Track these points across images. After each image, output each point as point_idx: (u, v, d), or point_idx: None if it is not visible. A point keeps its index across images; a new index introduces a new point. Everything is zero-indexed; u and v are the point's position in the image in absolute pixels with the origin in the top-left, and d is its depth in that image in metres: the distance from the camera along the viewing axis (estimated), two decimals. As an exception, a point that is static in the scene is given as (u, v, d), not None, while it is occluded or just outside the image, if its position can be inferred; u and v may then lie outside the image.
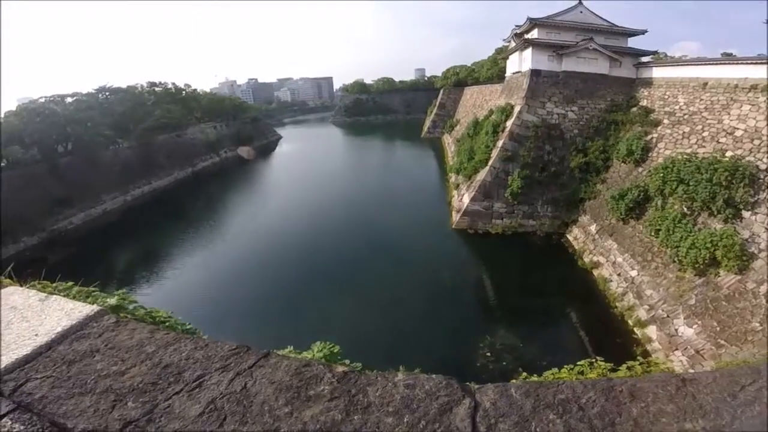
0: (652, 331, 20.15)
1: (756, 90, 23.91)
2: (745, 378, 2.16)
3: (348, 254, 31.53)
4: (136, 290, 27.10)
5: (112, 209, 49.43)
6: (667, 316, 19.92)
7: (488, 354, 18.81)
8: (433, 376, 2.42)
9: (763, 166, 20.36)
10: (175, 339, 2.72)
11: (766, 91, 22.96)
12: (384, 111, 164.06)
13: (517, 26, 45.62)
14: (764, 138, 21.33)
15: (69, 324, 2.75)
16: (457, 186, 41.72)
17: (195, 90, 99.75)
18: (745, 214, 19.86)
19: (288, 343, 5.23)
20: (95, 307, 3.07)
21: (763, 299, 16.47)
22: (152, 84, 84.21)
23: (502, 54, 57.98)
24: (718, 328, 17.23)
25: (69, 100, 60.76)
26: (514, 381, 2.90)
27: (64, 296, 3.41)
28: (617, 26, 41.06)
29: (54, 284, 3.94)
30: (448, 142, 74.20)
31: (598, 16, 41.06)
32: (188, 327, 4.23)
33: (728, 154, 22.74)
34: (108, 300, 3.74)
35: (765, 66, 24.04)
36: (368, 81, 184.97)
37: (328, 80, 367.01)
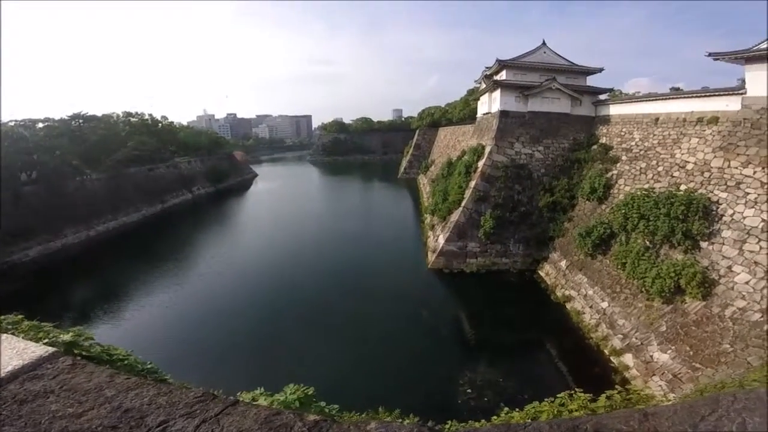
0: (628, 359, 20.45)
1: (702, 123, 25.94)
2: (704, 409, 2.21)
3: (325, 294, 31.00)
4: (92, 327, 25.37)
5: (73, 243, 46.66)
6: (641, 344, 20.32)
7: (469, 390, 18.62)
8: (406, 422, 2.38)
9: (714, 198, 21.82)
10: (136, 384, 2.61)
11: (713, 124, 24.81)
12: (361, 151, 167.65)
13: (487, 67, 47.72)
14: (713, 170, 23.01)
15: (21, 364, 2.58)
16: (433, 227, 42.24)
17: (172, 123, 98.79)
18: (703, 244, 21.02)
19: (260, 385, 5.02)
20: (49, 348, 2.89)
21: (730, 322, 17.17)
22: (128, 114, 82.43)
23: (474, 95, 60.43)
24: (691, 352, 17.67)
25: (40, 125, 58.68)
26: (482, 423, 2.86)
27: (12, 332, 3.18)
28: (577, 65, 43.35)
29: (1, 317, 3.74)
30: (424, 182, 75.50)
31: (559, 56, 43.30)
32: (149, 366, 4.07)
33: (682, 187, 24.29)
34: (62, 336, 3.51)
35: (709, 99, 26.18)
36: (347, 120, 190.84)
37: (307, 118, 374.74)
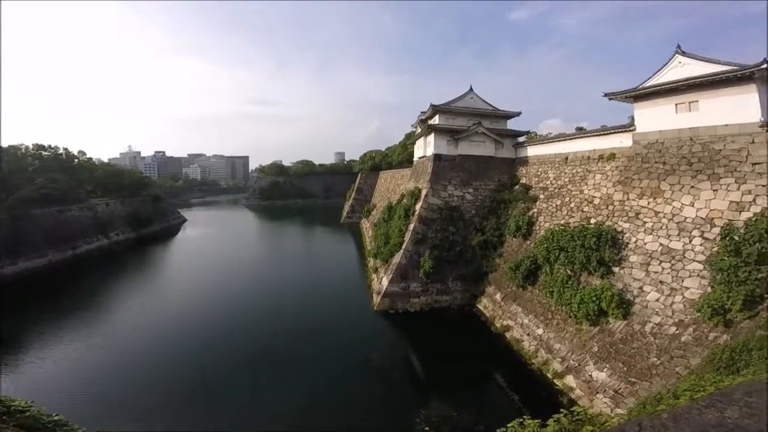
0: (570, 380, 20.97)
1: (603, 160, 29.10)
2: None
3: (269, 342, 28.77)
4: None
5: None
6: (579, 365, 21.05)
7: (426, 428, 18.00)
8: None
9: (619, 229, 24.39)
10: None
11: (611, 160, 27.64)
12: (302, 195, 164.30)
13: (422, 112, 49.27)
14: (616, 203, 25.83)
15: None
16: (376, 269, 41.99)
17: (90, 159, 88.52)
18: (615, 269, 23.10)
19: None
20: None
21: (651, 337, 18.56)
22: (39, 147, 72.75)
23: (411, 139, 62.74)
24: (624, 369, 18.56)
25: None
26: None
27: None
28: (499, 110, 45.66)
29: None
30: (366, 226, 75.37)
31: (484, 101, 45.82)
32: (56, 418, 3.59)
33: (592, 221, 26.87)
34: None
35: (607, 137, 29.25)
36: (287, 163, 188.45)
37: (244, 159, 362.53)
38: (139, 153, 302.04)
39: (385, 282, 36.15)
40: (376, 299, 35.56)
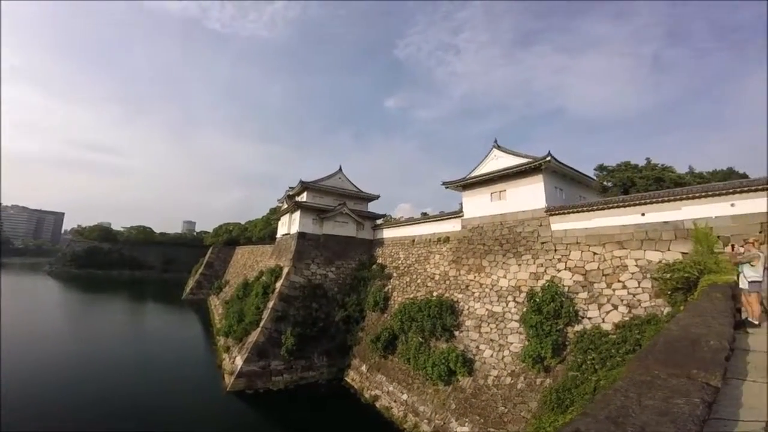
0: None
1: (441, 242, 32.51)
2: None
3: None
4: None
5: None
6: (444, 423, 20.95)
7: None
8: None
9: (455, 299, 27.58)
10: None
11: (446, 242, 31.09)
12: (134, 265, 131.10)
13: (290, 187, 46.92)
14: (451, 278, 29.30)
15: None
16: (228, 348, 35.95)
17: None
18: (456, 333, 25.51)
19: None
20: None
21: (494, 388, 20.19)
22: None
23: (275, 215, 58.78)
24: (481, 420, 19.22)
25: None
26: None
27: None
28: (363, 192, 46.09)
29: None
30: (216, 303, 65.08)
31: (350, 182, 46.14)
32: None
33: (435, 294, 29.58)
34: None
35: (444, 222, 32.47)
36: (117, 227, 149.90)
37: (57, 216, 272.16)
38: None
39: (239, 361, 30.76)
40: (229, 380, 29.57)
